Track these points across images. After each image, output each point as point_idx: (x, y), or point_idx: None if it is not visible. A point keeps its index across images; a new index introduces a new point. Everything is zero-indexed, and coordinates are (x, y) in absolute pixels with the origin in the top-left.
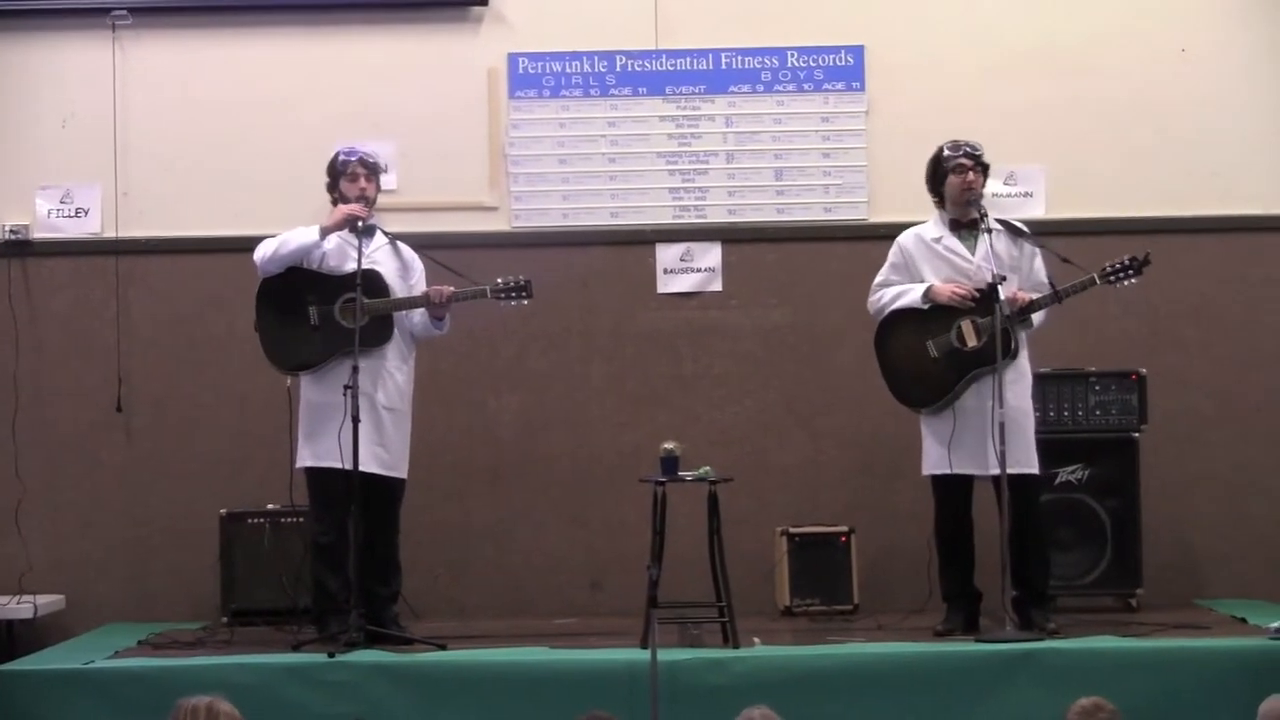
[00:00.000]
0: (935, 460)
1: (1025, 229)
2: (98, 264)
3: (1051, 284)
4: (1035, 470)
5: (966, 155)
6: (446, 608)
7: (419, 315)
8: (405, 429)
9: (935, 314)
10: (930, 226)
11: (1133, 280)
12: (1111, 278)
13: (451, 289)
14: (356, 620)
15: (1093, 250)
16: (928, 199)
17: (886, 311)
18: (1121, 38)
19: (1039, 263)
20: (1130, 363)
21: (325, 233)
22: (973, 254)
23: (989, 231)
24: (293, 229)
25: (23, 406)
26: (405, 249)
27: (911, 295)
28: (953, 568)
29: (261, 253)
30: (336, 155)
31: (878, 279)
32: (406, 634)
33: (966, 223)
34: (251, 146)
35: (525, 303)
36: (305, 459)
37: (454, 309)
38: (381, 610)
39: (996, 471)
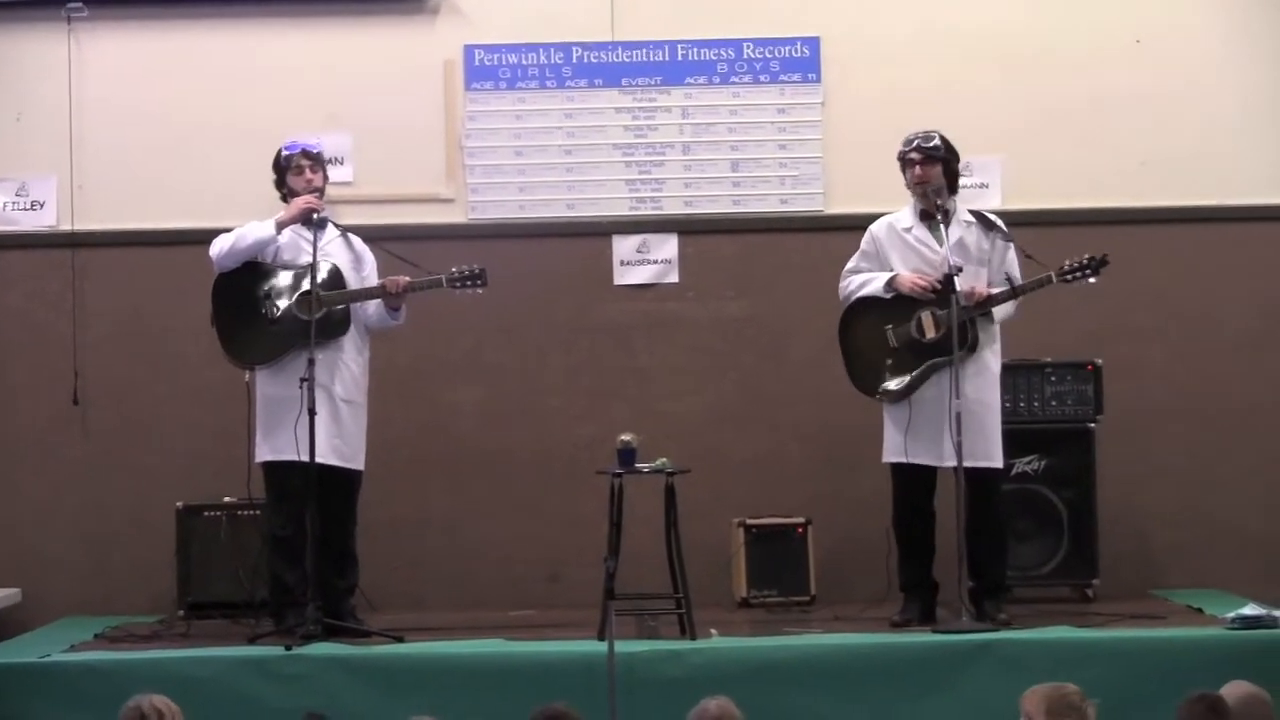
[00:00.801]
0: (893, 448)
1: (999, 222)
2: (53, 257)
3: (1009, 279)
4: (995, 464)
5: (917, 149)
6: (404, 600)
7: (374, 307)
8: (362, 421)
9: (899, 303)
10: (903, 215)
11: (1090, 280)
12: (1068, 276)
13: (407, 279)
14: (313, 613)
15: (1050, 241)
16: (884, 190)
17: (853, 298)
18: (1077, 28)
19: (1011, 256)
20: (1086, 353)
21: (281, 226)
22: (940, 245)
23: (944, 224)
24: (247, 223)
25: None
26: (357, 241)
27: (877, 283)
28: (911, 558)
29: (217, 249)
30: (279, 152)
31: (848, 265)
32: (364, 626)
33: (942, 212)
34: (207, 139)
35: (480, 291)
36: (264, 454)
37: (410, 300)
38: (339, 603)
39: (952, 463)
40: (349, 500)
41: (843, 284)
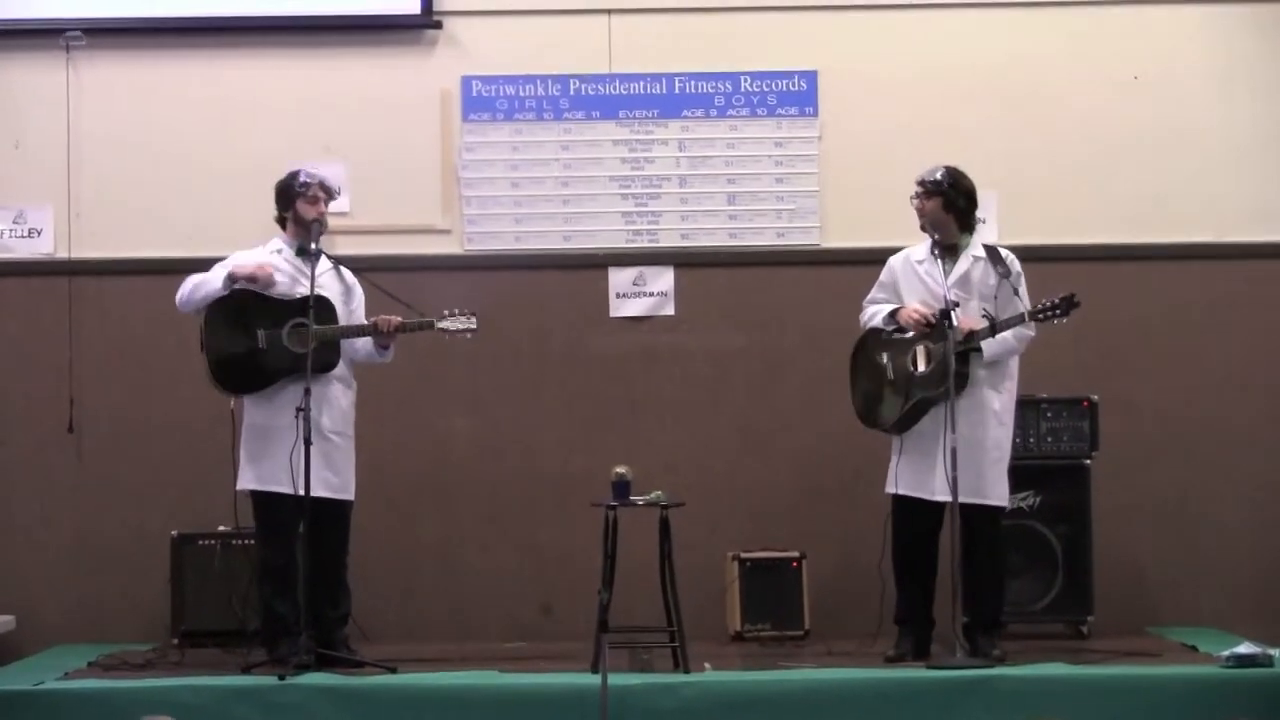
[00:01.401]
0: (891, 479)
1: (1005, 258)
2: (50, 285)
3: (988, 316)
4: (989, 500)
5: (919, 182)
6: (397, 630)
7: (363, 343)
8: (350, 452)
9: (904, 336)
10: (920, 248)
11: (1061, 320)
12: (1040, 316)
13: (399, 319)
14: (306, 643)
15: (1045, 276)
16: (880, 225)
17: (864, 328)
18: (1074, 64)
19: (1023, 291)
20: (1083, 389)
21: (232, 282)
22: (946, 278)
23: (941, 258)
24: (213, 268)
25: None
26: (348, 273)
27: (882, 314)
28: (906, 591)
29: (179, 295)
30: (296, 175)
31: (868, 296)
32: (356, 657)
33: (948, 247)
34: (203, 169)
35: (469, 337)
36: (248, 481)
37: (399, 337)
38: (331, 633)
39: (940, 498)
40: (341, 531)
41: (862, 315)
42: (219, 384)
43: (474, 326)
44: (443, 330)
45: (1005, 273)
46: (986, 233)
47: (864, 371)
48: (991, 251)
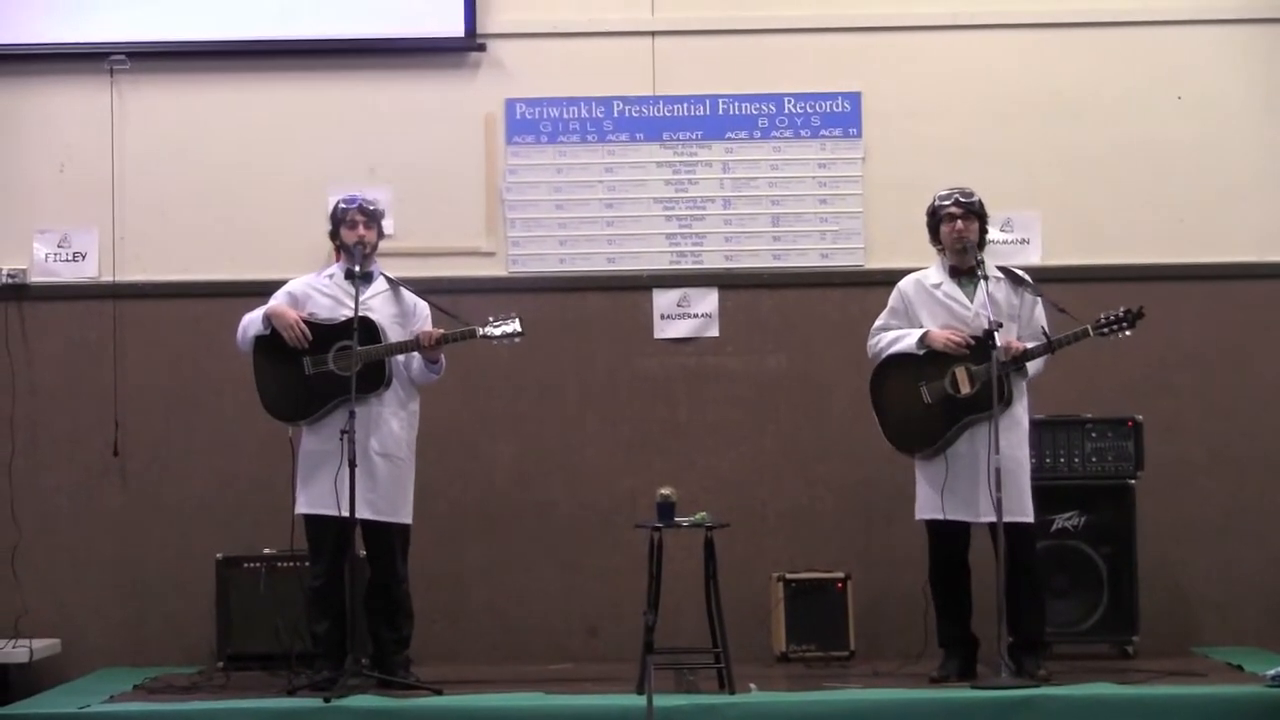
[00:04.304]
0: (928, 505)
1: (1027, 277)
2: (95, 308)
3: (1045, 334)
4: (1028, 518)
5: (956, 204)
6: (442, 653)
7: (417, 360)
8: (403, 475)
9: (931, 360)
10: (931, 272)
11: (1126, 333)
12: (1104, 330)
13: (440, 331)
14: (351, 665)
15: (1088, 297)
16: (924, 245)
17: (883, 356)
18: (1117, 84)
19: (1040, 311)
20: (1126, 409)
21: (269, 322)
22: (971, 301)
23: (984, 279)
24: (265, 304)
25: (19, 450)
26: (407, 295)
27: (908, 340)
28: (948, 613)
29: (237, 336)
30: (337, 204)
31: (877, 323)
32: (410, 680)
33: (966, 269)
34: (248, 191)
35: (517, 341)
36: (301, 506)
37: (449, 353)
38: (389, 655)
39: (987, 519)
40: (393, 553)
41: (871, 341)
42: (275, 415)
43: (520, 330)
44: (487, 337)
45: (1035, 292)
46: (1029, 253)
47: (893, 398)
48: (1007, 272)
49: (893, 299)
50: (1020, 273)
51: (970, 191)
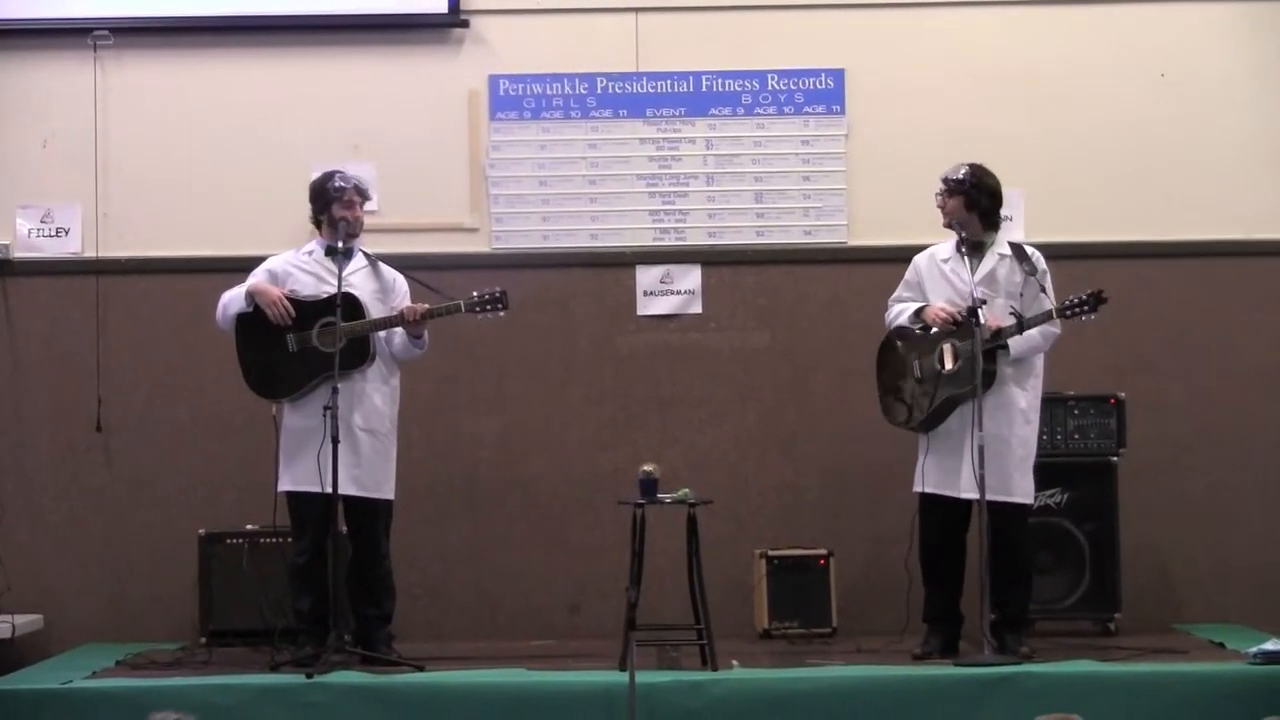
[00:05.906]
0: (919, 477)
1: (1031, 255)
2: (78, 284)
3: (1015, 313)
4: (1015, 498)
5: (942, 180)
6: (424, 629)
7: (399, 336)
8: (386, 450)
9: (929, 334)
10: (944, 246)
11: (1090, 317)
12: (1068, 313)
13: (425, 306)
14: (334, 641)
15: (1071, 274)
16: (906, 222)
17: (890, 327)
18: (1101, 62)
19: (1049, 289)
20: (1109, 387)
21: (253, 299)
22: (973, 276)
23: (967, 255)
24: (244, 282)
25: (2, 427)
26: (386, 270)
27: (908, 313)
28: (933, 589)
29: (216, 315)
30: (330, 180)
31: (893, 295)
32: (391, 656)
33: (974, 244)
34: (231, 167)
35: (501, 314)
36: (285, 483)
37: (432, 329)
38: (372, 631)
39: (967, 495)
40: (375, 529)
41: (887, 314)
42: (259, 393)
43: (504, 302)
44: (472, 310)
45: (1031, 270)
46: (1013, 231)
47: (890, 370)
48: (1017, 249)
49: (908, 272)
50: (1029, 250)
51: (958, 168)
